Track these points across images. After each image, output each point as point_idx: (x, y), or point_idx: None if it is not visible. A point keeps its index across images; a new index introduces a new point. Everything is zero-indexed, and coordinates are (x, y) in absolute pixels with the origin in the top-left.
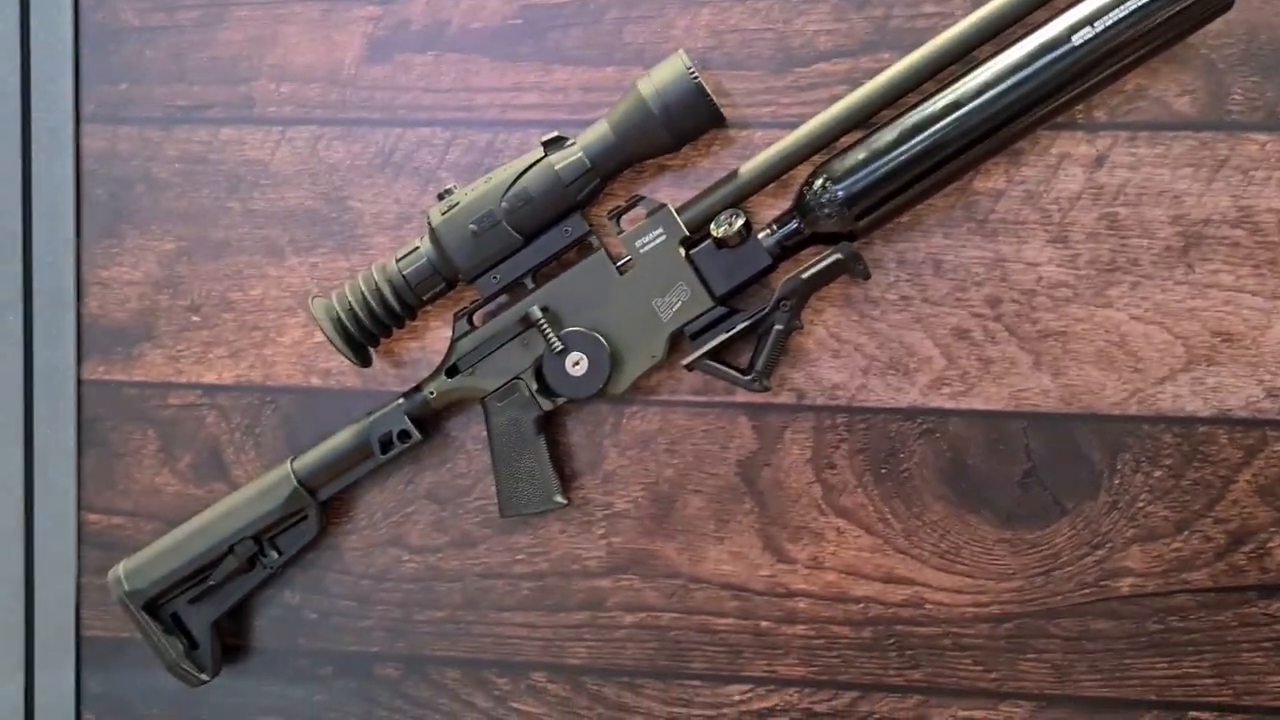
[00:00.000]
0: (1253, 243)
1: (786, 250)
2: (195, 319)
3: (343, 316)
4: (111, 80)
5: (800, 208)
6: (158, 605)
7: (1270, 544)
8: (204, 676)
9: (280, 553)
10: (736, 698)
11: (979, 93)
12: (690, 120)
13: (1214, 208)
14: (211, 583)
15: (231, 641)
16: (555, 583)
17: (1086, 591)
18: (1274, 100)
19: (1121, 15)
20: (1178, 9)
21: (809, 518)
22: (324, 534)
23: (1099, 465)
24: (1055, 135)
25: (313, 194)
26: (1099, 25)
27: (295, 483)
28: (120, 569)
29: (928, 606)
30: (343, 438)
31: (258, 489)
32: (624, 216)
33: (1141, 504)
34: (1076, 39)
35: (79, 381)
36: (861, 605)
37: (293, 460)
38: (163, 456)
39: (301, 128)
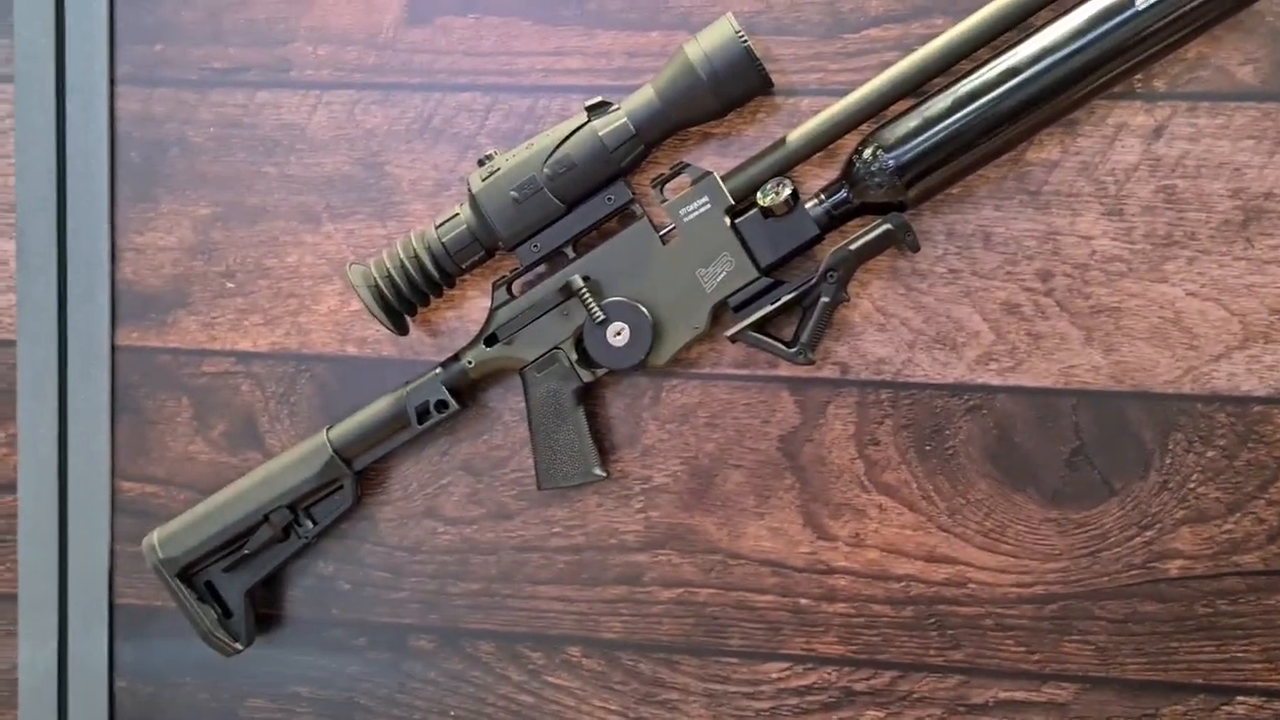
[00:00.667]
0: None
1: (834, 220)
2: (230, 285)
3: (381, 284)
4: (146, 41)
5: (849, 177)
6: (192, 573)
7: None
8: (238, 645)
9: (315, 522)
10: (774, 675)
11: (1036, 59)
12: (738, 86)
13: (1276, 181)
14: (246, 551)
15: (265, 611)
16: (591, 556)
17: (1134, 573)
18: None
19: None
20: None
21: (851, 494)
22: (359, 504)
23: (1150, 445)
24: (1112, 105)
25: (350, 159)
26: None
27: (331, 452)
28: (154, 536)
29: (970, 586)
30: (379, 407)
31: (293, 458)
32: (668, 185)
33: (1193, 485)
34: (1140, 3)
35: (113, 348)
36: (903, 584)
37: (329, 429)
38: (197, 424)
39: (339, 92)
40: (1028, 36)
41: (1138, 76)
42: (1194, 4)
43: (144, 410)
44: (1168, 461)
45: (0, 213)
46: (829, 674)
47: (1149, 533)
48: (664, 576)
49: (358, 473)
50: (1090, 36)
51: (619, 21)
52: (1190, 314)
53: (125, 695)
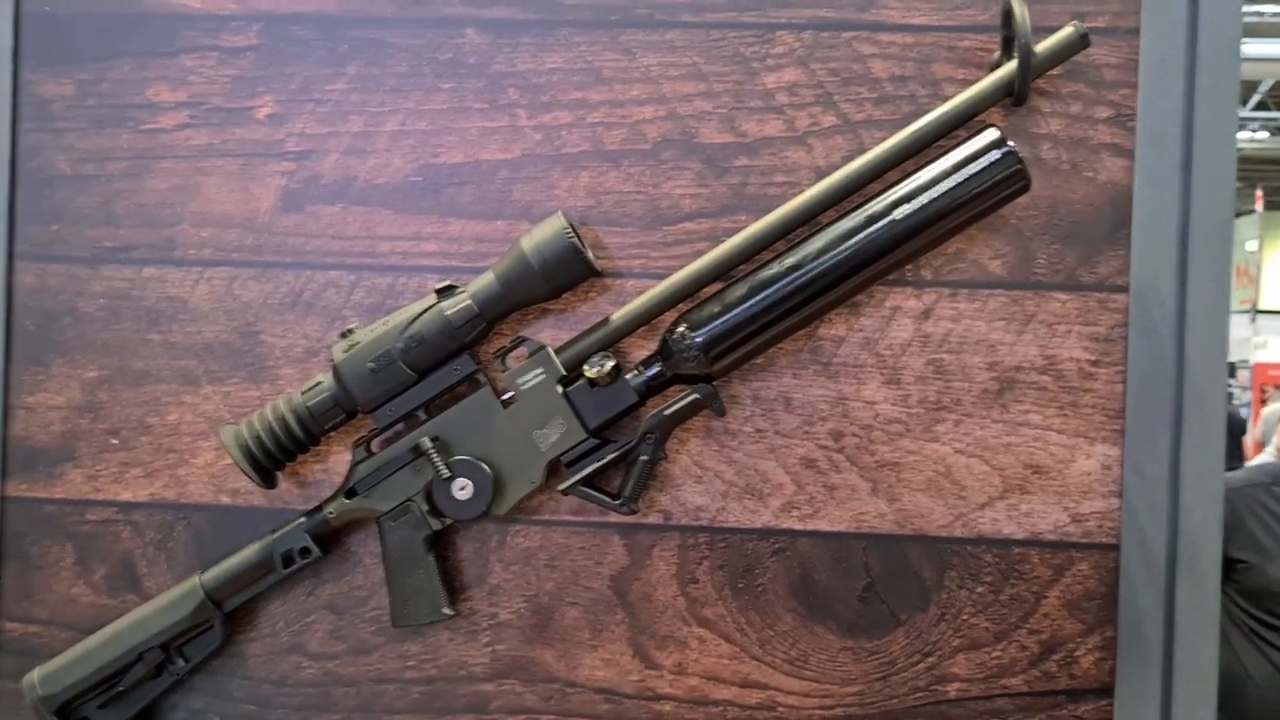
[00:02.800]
0: (1057, 387)
1: (652, 389)
2: (114, 441)
3: (250, 444)
4: (43, 221)
5: (663, 352)
6: (69, 710)
7: (1077, 652)
8: None
9: (187, 660)
10: None
11: (820, 255)
12: (566, 273)
13: (1024, 356)
14: (121, 688)
15: None
16: (443, 687)
17: (919, 695)
18: (1073, 264)
19: (936, 195)
20: (981, 190)
21: (674, 627)
22: (228, 642)
23: (929, 581)
24: (888, 290)
25: (228, 329)
26: (917, 203)
27: (203, 595)
28: (34, 675)
29: (780, 709)
30: (248, 553)
31: (167, 601)
32: (509, 355)
33: (966, 616)
34: (898, 214)
35: (2, 498)
36: (721, 708)
37: (201, 574)
38: (79, 569)
39: (219, 269)
40: (815, 234)
41: (908, 267)
42: (944, 211)
43: (30, 556)
44: (944, 596)
45: None
46: None
47: (931, 659)
48: (509, 704)
49: (227, 614)
50: (861, 237)
51: (468, 211)
52: (959, 468)
53: None
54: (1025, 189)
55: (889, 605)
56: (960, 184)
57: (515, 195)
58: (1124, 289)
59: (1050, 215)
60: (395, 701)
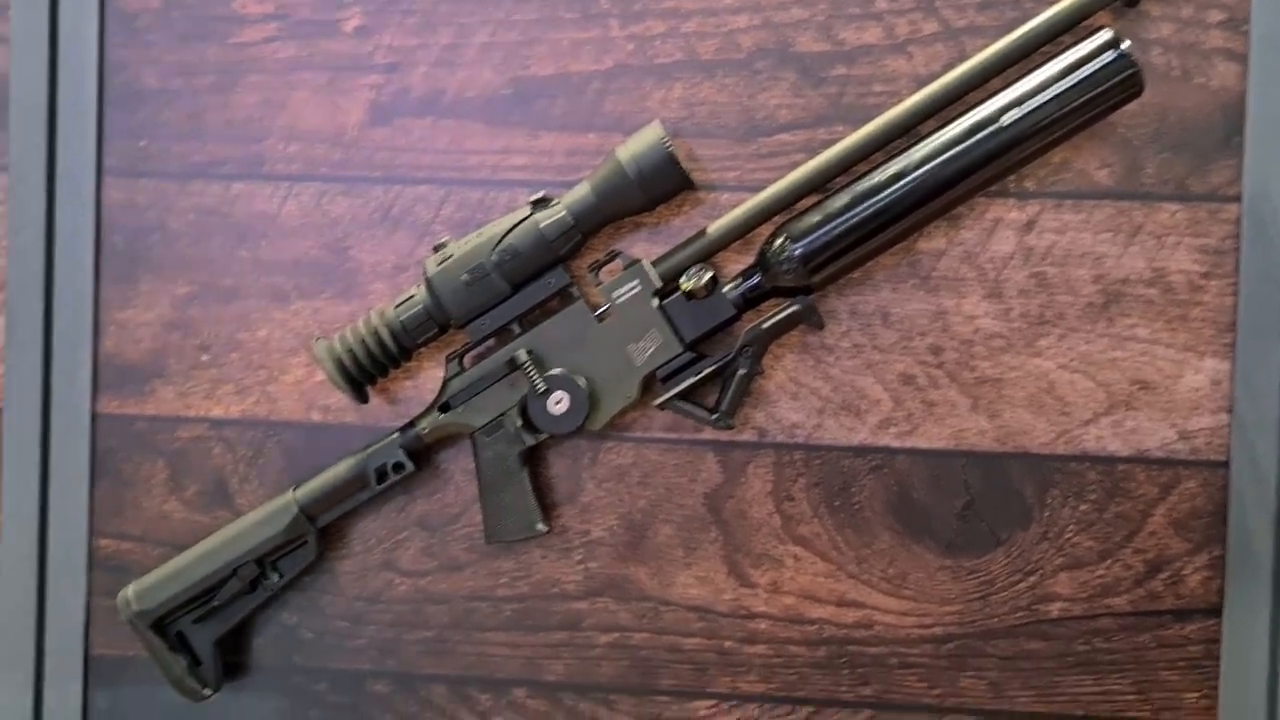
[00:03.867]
0: (1164, 301)
1: (749, 302)
2: (205, 358)
3: (343, 357)
4: (132, 137)
5: (762, 264)
6: (164, 624)
7: (1184, 571)
8: (206, 692)
9: (280, 575)
10: (702, 712)
11: (922, 164)
12: (663, 184)
13: (1131, 268)
14: (215, 603)
15: (232, 659)
16: (536, 605)
17: (1020, 614)
18: (1183, 173)
19: (1045, 99)
20: (1093, 95)
21: (769, 545)
22: (321, 558)
23: (1030, 499)
24: (990, 202)
25: (317, 245)
26: (1025, 108)
27: (297, 510)
28: (130, 590)
29: (877, 628)
30: (341, 469)
31: (261, 516)
32: (603, 269)
33: (1069, 535)
34: (1006, 119)
35: (94, 415)
36: (816, 626)
37: (295, 489)
38: (171, 485)
39: (307, 184)
40: (915, 143)
41: (1011, 177)
42: (1052, 119)
43: (122, 473)
44: (1046, 514)
45: None
46: (752, 710)
47: (1032, 578)
48: (602, 622)
49: (320, 529)
50: (965, 145)
51: (559, 124)
52: (1062, 384)
53: None
54: (1139, 93)
55: (989, 524)
56: (1072, 88)
57: (607, 107)
58: (1236, 199)
59: (1160, 123)
60: (487, 619)
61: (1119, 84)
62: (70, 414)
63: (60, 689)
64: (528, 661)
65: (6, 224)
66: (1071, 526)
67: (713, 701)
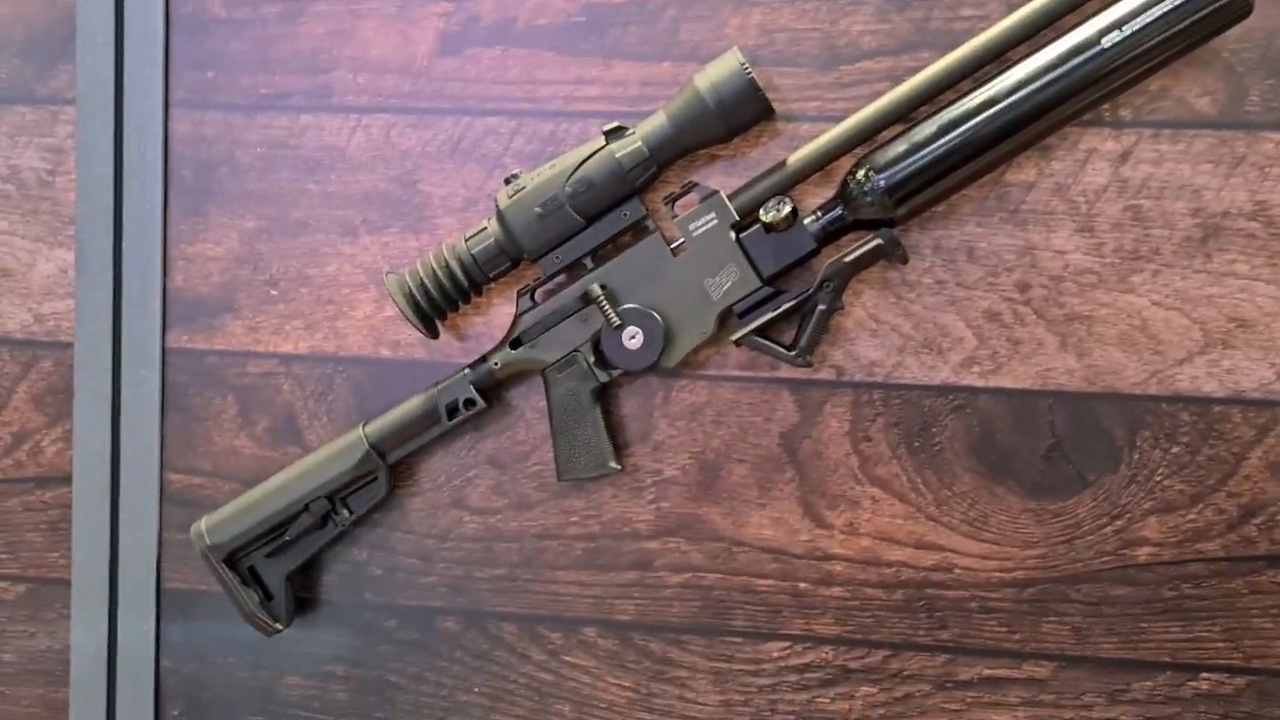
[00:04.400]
0: (1267, 235)
1: (829, 235)
2: (274, 293)
3: (415, 291)
4: (199, 68)
5: (844, 195)
6: (236, 558)
7: None
8: (278, 626)
9: (351, 511)
10: (775, 654)
11: (1013, 90)
12: (743, 112)
13: (1231, 202)
14: (287, 538)
15: (302, 594)
16: (606, 544)
17: (1106, 559)
18: None
19: (1148, 20)
20: (1199, 16)
21: (846, 486)
22: (391, 495)
23: (1120, 441)
24: (1083, 131)
25: (386, 178)
26: (1127, 29)
27: (367, 446)
28: (203, 523)
29: (956, 571)
30: (412, 405)
31: (332, 451)
32: (678, 202)
33: (1159, 478)
34: (1106, 41)
35: (164, 350)
36: (894, 569)
37: (364, 425)
38: (241, 421)
39: (376, 115)
40: (1006, 69)
41: (1105, 106)
42: (1154, 42)
43: (192, 408)
44: (1136, 457)
45: (61, 225)
46: (826, 653)
47: (1119, 522)
48: (673, 562)
49: (391, 465)
50: (1061, 70)
51: (634, 53)
52: (1156, 322)
53: (170, 674)
54: (1246, 15)
55: (1076, 466)
56: (1177, 8)
57: (683, 35)
58: None
59: (1265, 48)
60: (558, 557)
61: (1226, 5)
62: (140, 348)
63: (133, 622)
64: (598, 601)
65: (75, 157)
66: (1162, 469)
67: (786, 643)
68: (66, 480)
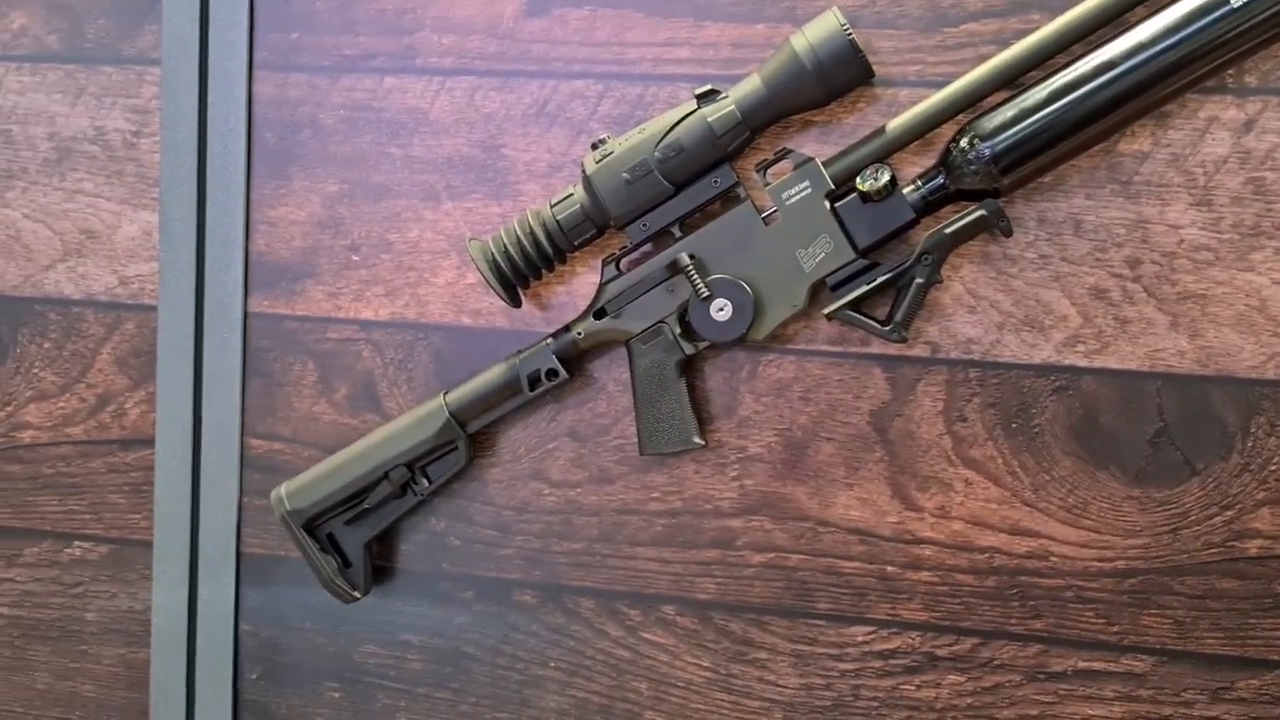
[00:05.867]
0: None
1: (929, 206)
2: (355, 258)
3: (498, 258)
4: (283, 30)
5: (946, 164)
6: (316, 525)
7: None
8: (356, 594)
9: (430, 481)
10: (860, 638)
11: (1131, 54)
12: (842, 76)
13: None
14: (366, 506)
15: (380, 563)
16: (688, 520)
17: (1214, 551)
18: None
19: None
20: None
21: (938, 468)
22: (470, 466)
23: (1232, 427)
24: (1204, 99)
25: (469, 142)
26: None
27: (448, 415)
28: (283, 489)
29: (1052, 559)
30: (493, 374)
31: (413, 419)
32: (770, 169)
33: (1274, 467)
34: (1237, 0)
35: (245, 314)
36: (986, 555)
37: (445, 394)
38: (321, 387)
39: (460, 78)
40: (1123, 32)
41: (1230, 71)
42: None
43: (273, 373)
44: (1250, 444)
45: (145, 187)
46: (912, 639)
47: (1229, 512)
48: (756, 541)
49: (470, 435)
50: (1185, 32)
51: (726, 14)
52: (1276, 302)
53: (249, 638)
54: None
55: (1184, 452)
56: None
57: None
58: None
59: None
60: (638, 533)
61: None
62: (222, 312)
63: (214, 586)
64: (678, 578)
65: (159, 119)
66: (1278, 459)
67: (871, 628)
68: (149, 443)
